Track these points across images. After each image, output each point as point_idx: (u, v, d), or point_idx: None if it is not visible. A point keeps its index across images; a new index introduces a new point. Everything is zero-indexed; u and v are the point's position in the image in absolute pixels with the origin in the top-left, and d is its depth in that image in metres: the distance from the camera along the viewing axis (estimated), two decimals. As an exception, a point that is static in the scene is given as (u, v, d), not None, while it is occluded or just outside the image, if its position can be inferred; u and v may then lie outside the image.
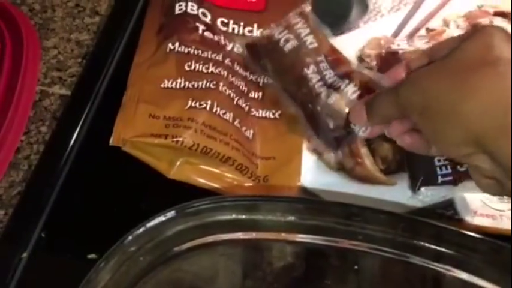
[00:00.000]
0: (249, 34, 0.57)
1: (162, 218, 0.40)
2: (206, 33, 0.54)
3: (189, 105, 0.50)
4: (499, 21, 0.61)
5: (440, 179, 0.48)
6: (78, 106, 0.55)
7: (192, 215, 0.42)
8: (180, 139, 0.48)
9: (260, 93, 0.54)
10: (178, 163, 0.49)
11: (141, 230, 0.40)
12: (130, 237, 0.40)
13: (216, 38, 0.54)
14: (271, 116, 0.54)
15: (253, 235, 0.41)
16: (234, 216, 0.41)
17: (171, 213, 0.41)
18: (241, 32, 0.57)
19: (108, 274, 0.39)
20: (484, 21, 0.59)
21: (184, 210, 0.42)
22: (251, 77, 0.55)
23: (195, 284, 0.40)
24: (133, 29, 0.59)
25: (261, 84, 0.55)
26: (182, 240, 0.40)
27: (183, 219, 0.41)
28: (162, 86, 0.51)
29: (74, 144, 0.52)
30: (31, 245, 0.47)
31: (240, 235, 0.40)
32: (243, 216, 0.41)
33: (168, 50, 0.53)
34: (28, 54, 0.58)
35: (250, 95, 0.54)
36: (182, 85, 0.51)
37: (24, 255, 0.47)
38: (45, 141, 0.54)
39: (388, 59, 0.56)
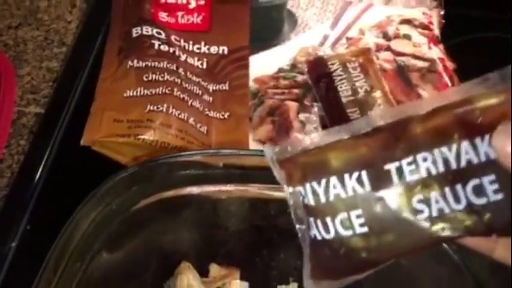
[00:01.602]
0: (197, 51, 0.67)
1: (123, 174, 0.47)
2: (162, 47, 0.63)
3: (148, 109, 0.59)
4: (406, 28, 0.73)
5: None
6: (51, 121, 0.64)
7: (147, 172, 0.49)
8: (142, 137, 0.57)
9: (211, 98, 0.64)
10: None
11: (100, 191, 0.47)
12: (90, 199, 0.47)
13: (170, 50, 0.64)
14: (221, 117, 0.63)
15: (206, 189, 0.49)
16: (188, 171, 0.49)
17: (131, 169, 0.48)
18: (190, 48, 0.67)
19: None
20: (391, 28, 0.71)
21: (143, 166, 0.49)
22: (203, 83, 0.64)
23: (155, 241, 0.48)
24: (96, 55, 0.69)
25: (211, 90, 0.65)
26: (140, 197, 0.48)
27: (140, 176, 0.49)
28: (124, 95, 0.60)
29: (49, 153, 0.61)
30: (18, 236, 0.55)
31: (194, 189, 0.49)
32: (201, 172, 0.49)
33: (128, 66, 0.63)
34: (6, 82, 0.67)
35: (203, 97, 0.63)
36: (142, 93, 0.60)
37: (13, 244, 0.55)
38: (25, 152, 0.62)
39: (316, 62, 0.67)
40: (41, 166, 0.59)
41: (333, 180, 0.29)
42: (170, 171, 0.49)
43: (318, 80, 0.67)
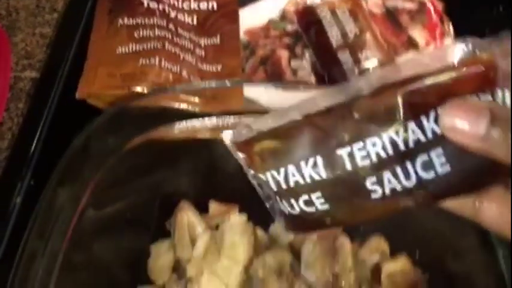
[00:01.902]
0: (186, 8, 0.68)
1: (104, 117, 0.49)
2: (151, 4, 0.64)
3: (140, 63, 0.59)
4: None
5: None
6: (47, 84, 0.65)
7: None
8: (135, 89, 0.58)
9: (203, 52, 0.65)
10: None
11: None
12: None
13: (160, 7, 0.64)
14: (214, 70, 0.64)
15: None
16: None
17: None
18: (180, 6, 0.68)
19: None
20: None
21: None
22: (194, 38, 0.65)
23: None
24: (87, 20, 0.69)
25: (202, 45, 0.65)
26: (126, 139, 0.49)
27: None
28: (116, 52, 0.61)
29: (47, 112, 0.62)
30: (22, 192, 0.57)
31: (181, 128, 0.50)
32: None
33: (119, 25, 0.63)
34: (1, 49, 0.68)
35: (195, 52, 0.64)
36: (133, 49, 0.61)
37: (18, 200, 0.56)
38: (24, 114, 0.63)
39: (305, 11, 0.68)
40: (41, 124, 0.60)
41: (291, 168, 0.30)
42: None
43: (308, 27, 0.67)
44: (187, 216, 0.50)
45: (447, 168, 0.27)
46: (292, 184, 0.30)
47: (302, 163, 0.30)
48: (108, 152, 0.48)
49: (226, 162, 0.58)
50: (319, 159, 0.29)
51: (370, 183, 0.29)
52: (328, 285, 0.48)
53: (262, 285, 0.48)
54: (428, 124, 0.27)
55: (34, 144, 0.59)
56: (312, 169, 0.30)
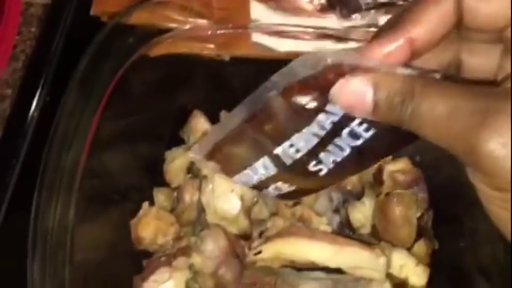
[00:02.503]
0: None
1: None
2: None
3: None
4: None
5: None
6: (59, 8, 0.67)
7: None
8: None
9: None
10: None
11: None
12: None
13: None
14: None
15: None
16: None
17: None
18: None
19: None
20: None
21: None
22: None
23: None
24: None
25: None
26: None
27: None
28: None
29: (61, 31, 0.64)
30: (39, 106, 0.59)
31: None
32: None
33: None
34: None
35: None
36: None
37: (35, 113, 0.58)
38: (36, 37, 0.65)
39: None
40: (54, 44, 0.62)
41: (248, 172, 0.33)
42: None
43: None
44: (200, 122, 0.52)
45: (372, 131, 0.29)
46: (256, 182, 0.34)
47: (255, 164, 0.33)
48: (122, 61, 0.50)
49: (236, 77, 0.61)
50: (266, 159, 0.32)
51: (312, 165, 0.31)
52: (333, 187, 0.51)
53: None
54: (334, 108, 0.28)
55: (49, 62, 0.61)
56: (263, 168, 0.33)
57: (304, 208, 0.51)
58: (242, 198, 0.49)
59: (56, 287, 0.42)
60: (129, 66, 0.50)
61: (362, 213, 0.51)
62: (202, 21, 0.62)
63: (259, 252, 0.47)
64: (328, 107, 0.28)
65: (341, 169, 0.32)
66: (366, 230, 0.52)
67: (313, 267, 0.47)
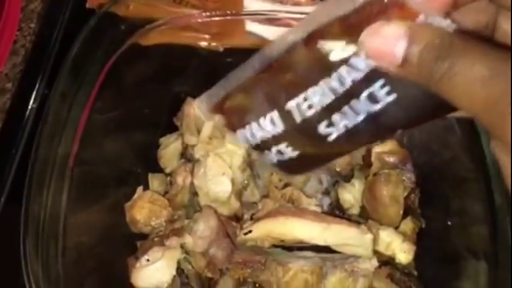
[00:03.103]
0: None
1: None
2: None
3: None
4: None
5: None
6: (57, 4, 0.69)
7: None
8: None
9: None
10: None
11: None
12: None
13: None
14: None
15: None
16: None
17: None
18: None
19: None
20: None
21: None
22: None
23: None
24: None
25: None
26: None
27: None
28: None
29: (60, 26, 0.65)
30: (38, 99, 0.61)
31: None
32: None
33: None
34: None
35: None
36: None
37: (34, 105, 0.60)
38: (35, 33, 0.67)
39: None
40: (53, 38, 0.64)
41: (254, 125, 0.32)
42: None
43: None
44: (193, 109, 0.54)
45: (394, 96, 0.27)
46: (259, 140, 0.32)
47: (261, 119, 0.31)
48: (113, 50, 0.52)
49: (230, 66, 0.63)
50: (275, 114, 0.30)
51: (323, 127, 0.30)
52: (322, 168, 0.52)
53: (263, 165, 0.52)
54: (360, 61, 0.27)
55: (47, 57, 0.63)
56: (271, 125, 0.31)
57: (294, 190, 0.52)
58: (233, 181, 0.50)
59: (50, 272, 0.43)
60: (121, 55, 0.52)
61: (351, 194, 0.52)
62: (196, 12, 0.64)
63: (249, 231, 0.48)
64: (353, 60, 0.27)
65: (351, 138, 0.30)
66: (355, 211, 0.53)
67: (302, 246, 0.49)
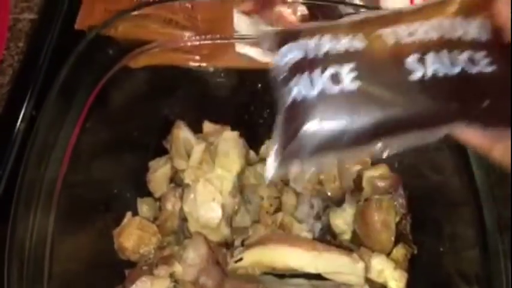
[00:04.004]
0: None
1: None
2: None
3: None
4: None
5: None
6: (45, 24, 0.68)
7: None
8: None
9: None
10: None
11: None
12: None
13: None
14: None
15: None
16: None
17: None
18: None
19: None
20: None
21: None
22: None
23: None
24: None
25: None
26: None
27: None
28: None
29: (48, 46, 0.65)
30: (25, 120, 0.60)
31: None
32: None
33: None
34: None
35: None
36: (128, -13, 0.64)
37: (22, 126, 0.59)
38: (23, 52, 0.66)
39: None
40: (41, 59, 0.63)
41: (328, 36, 0.29)
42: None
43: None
44: (182, 132, 0.53)
45: (494, 67, 0.27)
46: (323, 52, 0.28)
47: (341, 34, 0.28)
48: (103, 73, 0.51)
49: (219, 87, 0.62)
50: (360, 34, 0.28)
51: (411, 60, 0.27)
52: (313, 193, 0.52)
53: (254, 190, 0.51)
54: (472, 24, 0.27)
55: (36, 77, 0.62)
56: (352, 37, 0.28)
57: (285, 215, 0.51)
58: (223, 207, 0.50)
59: None
60: (110, 78, 0.51)
61: (343, 219, 0.52)
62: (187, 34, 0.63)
63: (240, 259, 0.47)
64: (470, 18, 0.27)
65: (430, 91, 0.27)
66: (347, 236, 0.53)
67: (293, 273, 0.48)
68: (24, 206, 0.45)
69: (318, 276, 0.48)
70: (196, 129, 0.58)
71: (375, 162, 0.55)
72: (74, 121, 0.50)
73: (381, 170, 0.52)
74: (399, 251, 0.50)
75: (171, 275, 0.47)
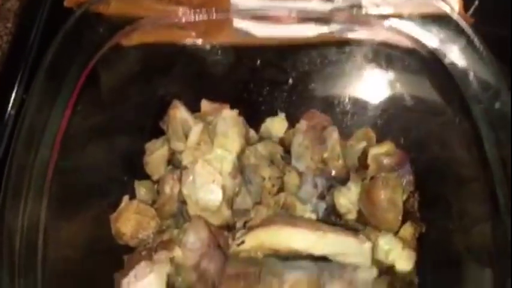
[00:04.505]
0: None
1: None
2: None
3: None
4: None
5: None
6: (34, 2, 0.65)
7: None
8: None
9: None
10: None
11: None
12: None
13: None
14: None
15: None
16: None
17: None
18: None
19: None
20: None
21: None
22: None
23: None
24: None
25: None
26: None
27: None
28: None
29: (37, 26, 0.62)
30: (16, 105, 0.58)
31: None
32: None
33: None
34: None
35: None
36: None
37: (12, 111, 0.57)
38: (12, 33, 0.64)
39: None
40: (31, 40, 0.61)
41: None
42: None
43: None
44: (180, 112, 0.51)
45: None
46: None
47: None
48: (93, 52, 0.48)
49: (216, 65, 0.60)
50: None
51: None
52: (317, 172, 0.50)
53: (255, 170, 0.49)
54: None
55: (25, 59, 0.60)
56: None
57: (288, 196, 0.49)
58: (223, 188, 0.48)
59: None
60: (102, 57, 0.49)
61: (348, 199, 0.50)
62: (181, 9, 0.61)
63: (242, 242, 0.46)
64: None
65: None
66: (352, 216, 0.51)
67: (297, 255, 0.47)
68: (13, 193, 0.43)
69: (323, 258, 0.47)
70: (194, 108, 0.55)
71: (380, 139, 0.53)
72: (65, 103, 0.48)
73: (387, 146, 0.50)
74: (407, 230, 0.48)
75: (171, 260, 0.45)
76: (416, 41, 0.50)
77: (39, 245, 0.41)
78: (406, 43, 0.52)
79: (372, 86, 0.54)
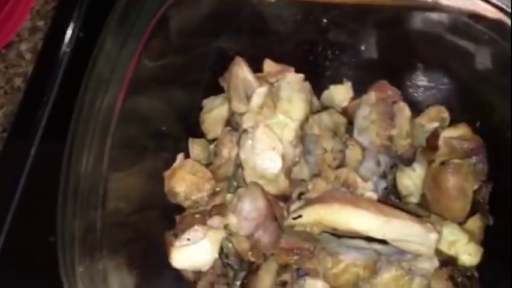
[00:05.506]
0: None
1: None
2: None
3: None
4: None
5: None
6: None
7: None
8: None
9: None
10: None
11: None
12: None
13: None
14: None
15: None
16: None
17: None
18: None
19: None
20: None
21: None
22: None
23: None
24: None
25: None
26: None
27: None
28: None
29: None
30: (72, 42, 0.56)
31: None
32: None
33: None
34: None
35: None
36: None
37: (68, 49, 0.56)
38: None
39: None
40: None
41: None
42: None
43: None
44: (242, 71, 0.48)
45: None
46: None
47: None
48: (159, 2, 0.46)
49: (282, 20, 0.56)
50: None
51: None
52: (381, 149, 0.47)
53: (317, 141, 0.47)
54: None
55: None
56: None
57: (350, 171, 0.47)
58: (283, 157, 0.46)
59: (86, 227, 0.42)
60: (170, 6, 0.46)
61: (411, 181, 0.48)
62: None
63: (300, 216, 0.44)
64: None
65: None
66: (414, 199, 0.48)
67: (355, 235, 0.45)
68: (81, 136, 0.43)
69: (381, 240, 0.45)
70: (255, 67, 0.52)
71: (454, 119, 0.49)
72: (132, 51, 0.46)
73: (462, 130, 0.47)
74: (475, 223, 0.45)
75: (225, 227, 0.44)
76: (507, 13, 0.46)
77: (100, 191, 0.42)
78: (495, 15, 0.48)
79: (451, 60, 0.50)
